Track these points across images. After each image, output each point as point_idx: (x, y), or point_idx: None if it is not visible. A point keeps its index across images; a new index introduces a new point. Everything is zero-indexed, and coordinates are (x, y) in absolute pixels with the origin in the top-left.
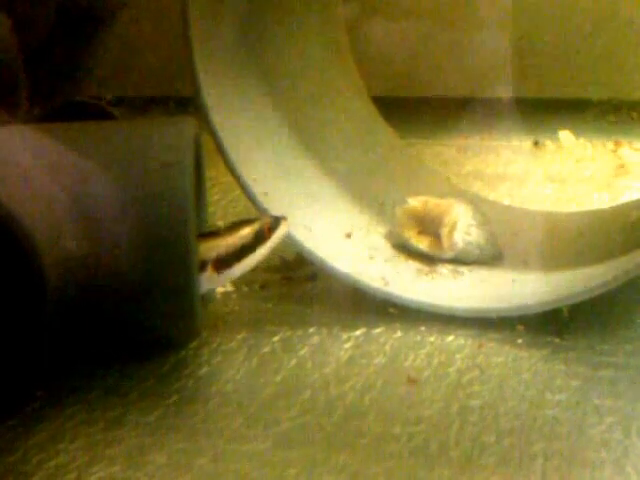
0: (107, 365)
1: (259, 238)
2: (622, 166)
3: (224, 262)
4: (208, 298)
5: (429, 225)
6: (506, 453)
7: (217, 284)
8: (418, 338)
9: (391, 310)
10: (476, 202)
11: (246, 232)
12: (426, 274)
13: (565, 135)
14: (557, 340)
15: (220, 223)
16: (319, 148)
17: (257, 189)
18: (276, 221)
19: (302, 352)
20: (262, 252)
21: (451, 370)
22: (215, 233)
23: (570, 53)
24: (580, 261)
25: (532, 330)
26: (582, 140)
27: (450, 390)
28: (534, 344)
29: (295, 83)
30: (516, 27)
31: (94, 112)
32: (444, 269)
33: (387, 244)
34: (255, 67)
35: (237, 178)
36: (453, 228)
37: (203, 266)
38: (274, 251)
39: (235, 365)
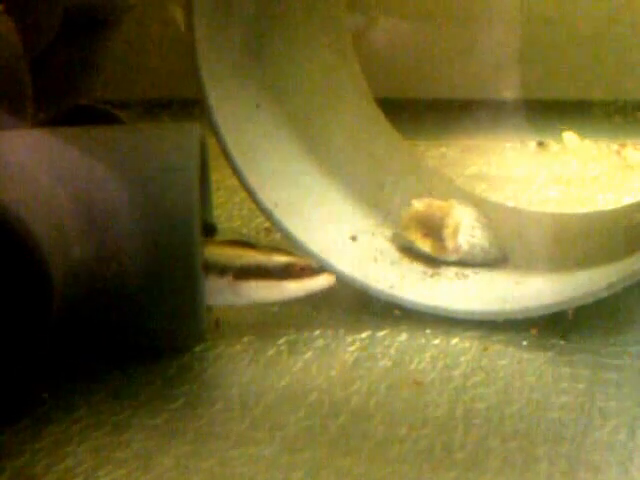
0: (113, 368)
1: (289, 271)
2: (631, 168)
3: (245, 274)
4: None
5: (433, 227)
6: (511, 456)
7: (234, 300)
8: (423, 341)
9: (396, 312)
10: (480, 204)
11: (278, 259)
12: (431, 276)
13: (569, 136)
14: (562, 342)
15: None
16: (324, 150)
17: (263, 194)
18: (317, 271)
19: (307, 355)
20: (289, 288)
21: (456, 373)
22: (248, 244)
23: (574, 54)
24: (585, 263)
25: (537, 332)
26: (587, 141)
27: (455, 393)
28: (539, 346)
29: (300, 87)
30: (520, 28)
31: (101, 116)
32: (448, 271)
33: (392, 247)
34: (260, 72)
35: (243, 183)
36: (457, 230)
37: (223, 272)
38: None
39: (240, 368)
